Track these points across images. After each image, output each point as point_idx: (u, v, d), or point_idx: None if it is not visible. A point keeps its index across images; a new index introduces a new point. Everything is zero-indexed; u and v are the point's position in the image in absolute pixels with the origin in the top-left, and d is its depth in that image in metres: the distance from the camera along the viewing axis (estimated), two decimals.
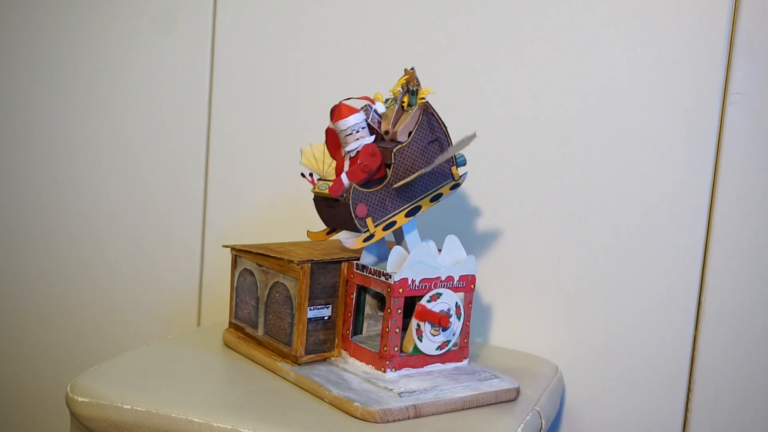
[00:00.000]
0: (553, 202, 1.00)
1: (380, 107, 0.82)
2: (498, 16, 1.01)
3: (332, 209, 0.80)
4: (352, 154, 0.79)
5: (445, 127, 0.83)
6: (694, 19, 0.92)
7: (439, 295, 0.81)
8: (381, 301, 0.87)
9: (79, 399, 0.76)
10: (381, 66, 1.08)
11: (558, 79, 0.99)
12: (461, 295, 0.83)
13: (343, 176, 0.78)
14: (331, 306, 0.84)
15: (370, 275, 0.81)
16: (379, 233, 0.79)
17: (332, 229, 0.85)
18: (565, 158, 0.99)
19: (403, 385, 0.78)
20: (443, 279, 0.82)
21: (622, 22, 0.96)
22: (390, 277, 0.79)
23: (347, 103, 0.79)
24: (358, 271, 0.83)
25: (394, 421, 0.73)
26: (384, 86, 1.07)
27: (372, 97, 0.83)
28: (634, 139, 0.96)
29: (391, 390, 0.76)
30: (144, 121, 1.24)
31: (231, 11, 1.17)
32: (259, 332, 0.88)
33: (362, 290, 0.86)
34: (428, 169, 0.79)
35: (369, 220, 0.79)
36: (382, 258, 0.84)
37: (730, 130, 0.92)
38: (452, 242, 0.84)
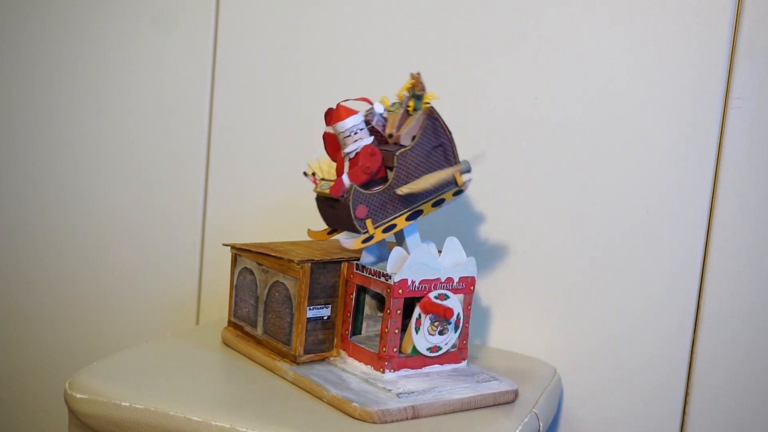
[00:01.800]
0: (553, 204, 1.00)
1: (379, 108, 0.82)
2: (499, 17, 1.01)
3: (333, 209, 0.80)
4: (352, 156, 0.79)
5: (450, 133, 0.82)
6: (696, 23, 0.92)
7: (446, 296, 0.81)
8: (380, 301, 0.87)
9: (78, 396, 0.76)
10: (382, 67, 1.08)
11: (559, 82, 0.99)
12: (461, 296, 0.83)
13: (345, 177, 0.78)
14: (330, 306, 0.84)
15: (370, 275, 0.81)
16: (379, 235, 0.79)
17: (333, 230, 0.85)
18: (565, 160, 0.99)
19: (401, 385, 0.78)
20: (443, 280, 0.82)
21: (623, 26, 0.96)
22: (390, 277, 0.79)
23: (345, 104, 0.79)
24: (357, 272, 0.83)
25: (393, 421, 0.73)
26: (384, 86, 1.07)
27: (370, 99, 0.83)
28: (635, 141, 0.96)
29: (389, 391, 0.76)
30: (144, 121, 1.24)
31: (233, 11, 1.17)
32: (258, 331, 0.88)
33: (362, 290, 0.86)
34: (434, 180, 0.79)
35: (369, 222, 0.79)
36: (382, 258, 0.84)
37: (731, 134, 0.92)
38: (452, 244, 0.84)
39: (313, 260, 0.81)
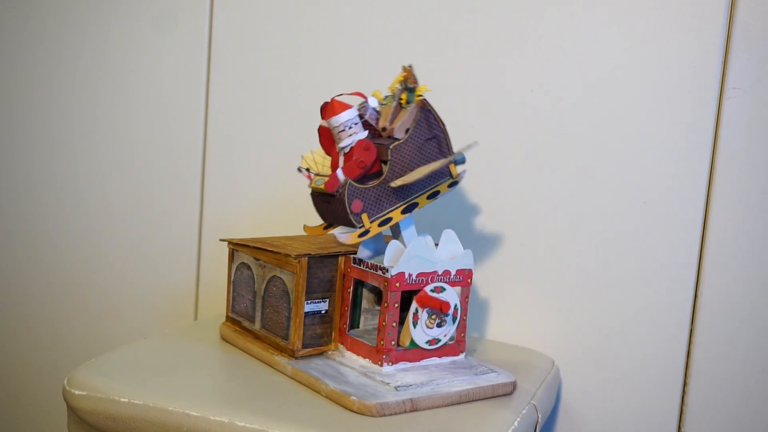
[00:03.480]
0: (549, 196, 1.00)
1: (373, 101, 0.82)
2: (496, 13, 1.01)
3: (328, 205, 0.80)
4: (346, 150, 0.79)
5: (443, 125, 0.82)
6: (692, 13, 0.92)
7: (442, 289, 0.81)
8: (378, 295, 0.88)
9: (76, 392, 0.76)
10: (378, 62, 1.08)
11: (555, 74, 0.99)
12: (458, 289, 0.83)
13: (339, 172, 0.78)
14: (328, 300, 0.84)
15: (367, 269, 0.81)
16: (375, 229, 0.79)
17: (329, 224, 0.85)
18: (561, 153, 0.99)
19: (399, 378, 0.78)
20: (440, 273, 0.82)
21: (619, 17, 0.96)
22: (387, 271, 0.79)
23: (339, 99, 0.79)
24: (355, 265, 0.83)
25: (391, 414, 0.73)
26: (381, 83, 1.07)
27: (365, 93, 0.83)
28: (631, 133, 0.96)
29: (387, 384, 0.76)
30: (141, 118, 1.24)
31: (228, 11, 1.17)
32: (256, 326, 0.88)
33: (359, 284, 0.86)
34: (427, 171, 0.79)
35: (364, 216, 0.79)
36: (379, 252, 0.84)
37: (727, 125, 0.92)
38: (449, 237, 0.84)
39: (310, 254, 0.81)
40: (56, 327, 1.34)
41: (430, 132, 0.82)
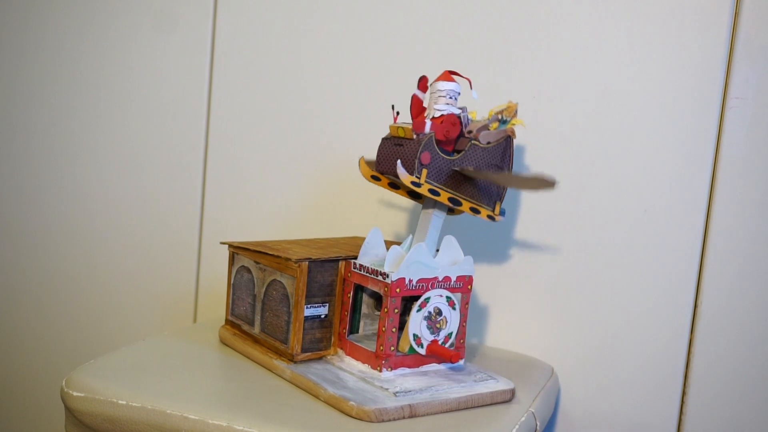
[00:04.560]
0: (550, 203, 1.00)
1: (468, 115, 0.86)
2: (499, 19, 1.01)
3: (399, 147, 0.82)
4: (437, 115, 0.82)
5: (512, 164, 0.86)
6: (695, 23, 0.92)
7: (427, 300, 0.81)
8: (378, 300, 0.87)
9: (74, 394, 0.76)
10: (380, 65, 1.08)
11: (557, 81, 0.99)
12: (458, 295, 0.83)
13: (429, 122, 0.81)
14: (327, 304, 0.84)
15: (368, 274, 0.81)
16: (425, 188, 0.81)
17: (382, 173, 0.86)
18: (563, 159, 0.99)
19: (398, 384, 0.78)
20: (440, 279, 0.82)
21: (622, 25, 0.96)
22: (387, 276, 0.79)
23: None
24: (355, 270, 0.83)
25: (389, 420, 0.73)
26: (383, 85, 1.07)
27: (471, 80, 0.87)
28: (633, 140, 0.96)
29: (386, 389, 0.76)
30: (143, 119, 1.24)
31: (231, 11, 1.17)
32: (256, 330, 0.88)
33: (359, 289, 0.86)
34: (490, 177, 0.82)
35: (425, 171, 0.81)
36: (380, 257, 0.84)
37: (729, 134, 0.92)
38: (450, 243, 0.84)
39: (310, 259, 0.81)
40: (55, 328, 1.34)
41: (500, 161, 0.86)
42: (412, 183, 0.80)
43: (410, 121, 0.84)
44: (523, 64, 1.00)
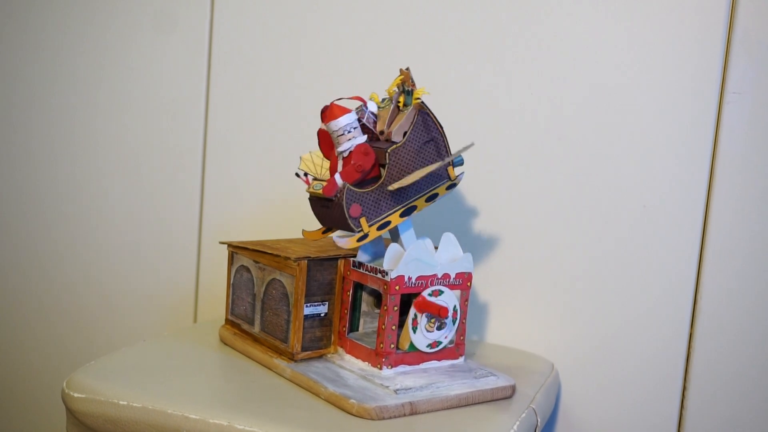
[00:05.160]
0: (549, 200, 1.00)
1: (371, 105, 0.82)
2: (496, 15, 1.01)
3: (327, 209, 0.80)
4: (345, 155, 0.78)
5: (441, 127, 0.82)
6: (692, 17, 0.92)
7: (440, 292, 0.81)
8: (377, 298, 0.87)
9: (75, 395, 0.76)
10: (377, 65, 1.08)
11: (555, 77, 0.99)
12: (458, 292, 0.83)
13: (337, 176, 0.78)
14: (327, 303, 0.84)
15: (367, 272, 0.81)
16: (374, 233, 0.79)
17: (328, 228, 0.85)
18: (561, 156, 0.99)
19: (399, 382, 0.78)
20: (440, 276, 0.82)
21: (619, 21, 0.96)
22: (386, 274, 0.79)
23: (338, 103, 0.79)
24: (354, 268, 0.83)
25: (390, 418, 0.73)
26: (380, 85, 1.07)
27: (364, 98, 0.83)
28: (631, 137, 0.96)
29: (387, 387, 0.76)
30: (142, 119, 1.24)
31: (229, 11, 1.17)
32: (256, 329, 0.88)
33: (359, 287, 0.86)
34: (423, 174, 0.79)
35: (363, 220, 0.79)
36: (379, 255, 0.84)
37: (727, 129, 0.92)
38: (449, 240, 0.84)
39: (309, 257, 0.81)
40: (56, 329, 1.34)
41: (428, 135, 0.82)
42: (359, 240, 0.78)
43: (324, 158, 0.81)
44: (520, 59, 1.00)
